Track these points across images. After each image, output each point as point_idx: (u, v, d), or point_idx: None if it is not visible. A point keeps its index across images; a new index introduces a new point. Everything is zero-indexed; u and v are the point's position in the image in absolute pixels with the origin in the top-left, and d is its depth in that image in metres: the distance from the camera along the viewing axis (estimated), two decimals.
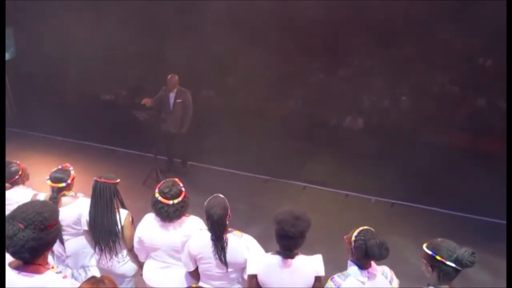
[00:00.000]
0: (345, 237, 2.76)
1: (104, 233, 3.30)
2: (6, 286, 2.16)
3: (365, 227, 2.70)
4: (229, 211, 3.02)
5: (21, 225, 2.11)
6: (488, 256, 4.49)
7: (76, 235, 3.51)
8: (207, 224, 3.00)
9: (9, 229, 2.11)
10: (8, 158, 3.92)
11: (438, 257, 2.40)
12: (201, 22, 8.89)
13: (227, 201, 3.04)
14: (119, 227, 3.32)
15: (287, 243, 2.75)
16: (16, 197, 3.66)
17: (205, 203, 3.01)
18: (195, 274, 3.17)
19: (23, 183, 3.82)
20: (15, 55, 10.07)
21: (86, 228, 3.45)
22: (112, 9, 8.84)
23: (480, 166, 6.80)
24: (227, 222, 3.01)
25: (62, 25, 9.26)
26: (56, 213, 2.27)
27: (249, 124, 8.13)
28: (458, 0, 8.38)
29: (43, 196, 3.60)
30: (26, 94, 10.17)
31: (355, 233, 2.68)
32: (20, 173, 3.77)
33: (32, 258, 2.16)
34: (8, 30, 9.69)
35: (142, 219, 3.35)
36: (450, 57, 8.65)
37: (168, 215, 3.15)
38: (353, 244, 2.65)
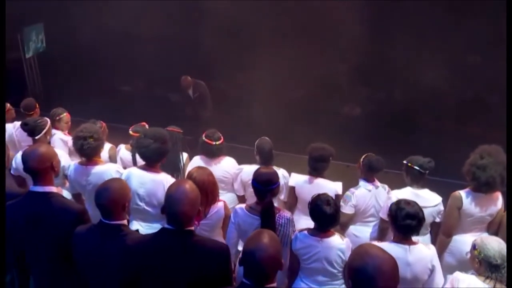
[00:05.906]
0: (356, 164, 3.95)
1: (170, 167, 4.25)
2: (138, 180, 3.28)
3: (369, 153, 3.91)
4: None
5: (151, 140, 3.26)
6: None
7: None
8: (259, 156, 4.17)
9: (144, 143, 3.27)
10: None
11: (409, 164, 3.69)
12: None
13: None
14: (182, 164, 4.41)
15: (316, 165, 3.93)
16: None
17: (256, 142, 4.18)
18: (242, 199, 4.30)
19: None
20: (44, 49, 10.88)
21: None
22: None
23: (461, 146, 8.00)
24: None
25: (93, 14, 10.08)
26: (167, 134, 3.44)
27: (260, 110, 9.17)
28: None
29: (123, 146, 4.74)
30: (54, 80, 11.13)
31: (362, 157, 3.89)
32: (102, 129, 4.84)
33: (156, 162, 3.33)
34: (39, 25, 10.59)
35: (191, 160, 4.50)
36: (442, 55, 9.75)
37: (212, 152, 4.35)
38: (361, 164, 3.86)
